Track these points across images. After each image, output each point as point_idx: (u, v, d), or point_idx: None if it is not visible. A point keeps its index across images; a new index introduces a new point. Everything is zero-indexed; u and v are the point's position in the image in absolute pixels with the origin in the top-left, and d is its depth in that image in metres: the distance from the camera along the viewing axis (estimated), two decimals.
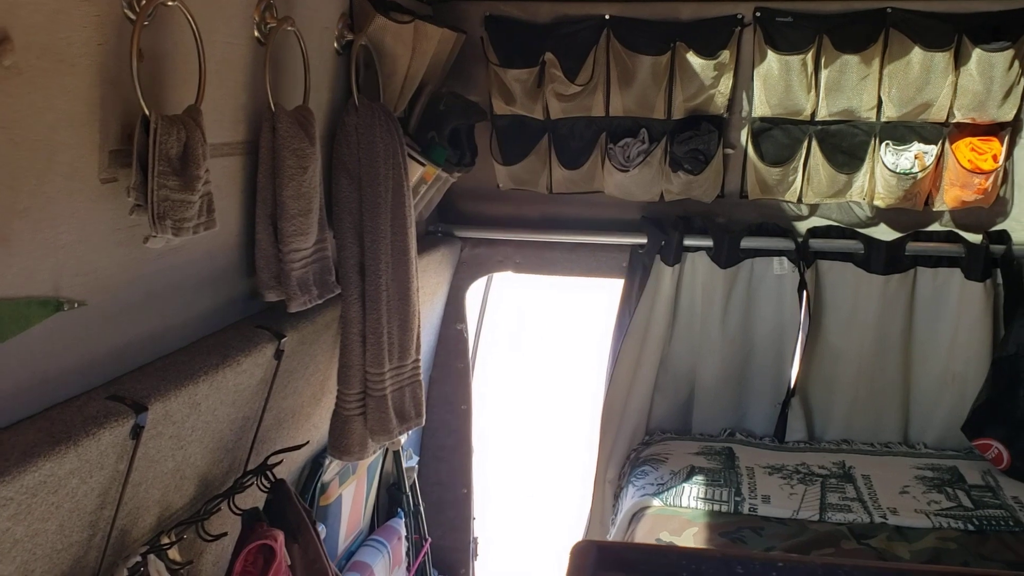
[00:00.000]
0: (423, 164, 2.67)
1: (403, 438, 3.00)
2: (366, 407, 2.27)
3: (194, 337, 1.79)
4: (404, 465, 3.06)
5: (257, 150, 1.87)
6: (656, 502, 2.96)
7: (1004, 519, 2.79)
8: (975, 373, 3.18)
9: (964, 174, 2.99)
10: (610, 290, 3.46)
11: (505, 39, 3.13)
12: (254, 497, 1.92)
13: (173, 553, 1.64)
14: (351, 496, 2.64)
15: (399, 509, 3.06)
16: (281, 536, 1.84)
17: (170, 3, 1.44)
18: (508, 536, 4.62)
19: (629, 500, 3.05)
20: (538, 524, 4.81)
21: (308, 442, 2.26)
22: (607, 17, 3.07)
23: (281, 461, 1.96)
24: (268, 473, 1.93)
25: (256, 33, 1.84)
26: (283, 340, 1.88)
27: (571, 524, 3.85)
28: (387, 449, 2.94)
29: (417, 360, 2.47)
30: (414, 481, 3.16)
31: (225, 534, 1.81)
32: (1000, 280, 3.15)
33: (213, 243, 1.79)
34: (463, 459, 3.62)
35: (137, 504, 1.57)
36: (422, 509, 3.22)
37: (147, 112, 1.40)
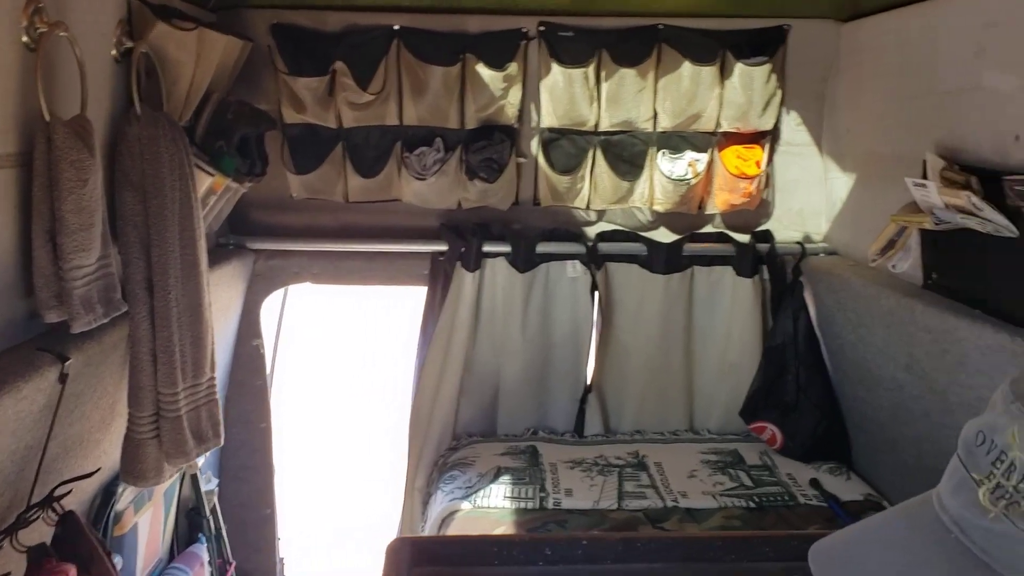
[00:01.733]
0: (212, 174, 2.57)
1: (201, 460, 2.88)
2: (160, 429, 2.17)
3: None
4: (203, 488, 2.93)
5: (31, 162, 1.74)
6: (465, 505, 3.00)
7: (780, 495, 3.05)
8: (749, 362, 3.46)
9: (732, 179, 3.26)
10: (414, 297, 3.48)
11: (293, 47, 3.08)
12: (41, 532, 1.78)
13: None
14: (148, 524, 2.50)
15: (200, 534, 2.93)
16: (73, 570, 1.72)
17: None
18: (318, 553, 4.53)
19: (438, 505, 3.07)
20: (348, 538, 4.74)
21: (100, 469, 2.12)
22: (396, 28, 3.09)
23: (70, 491, 1.83)
24: (55, 505, 1.80)
25: (25, 38, 1.71)
26: (67, 363, 1.76)
27: (382, 536, 3.82)
28: (184, 472, 2.81)
29: (212, 378, 2.39)
30: (214, 504, 3.04)
31: (8, 574, 1.67)
32: (766, 276, 3.44)
33: None
34: (265, 479, 3.51)
35: None
36: (224, 532, 3.10)
37: None
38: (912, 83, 2.68)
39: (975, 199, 2.12)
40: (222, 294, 3.04)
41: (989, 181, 2.14)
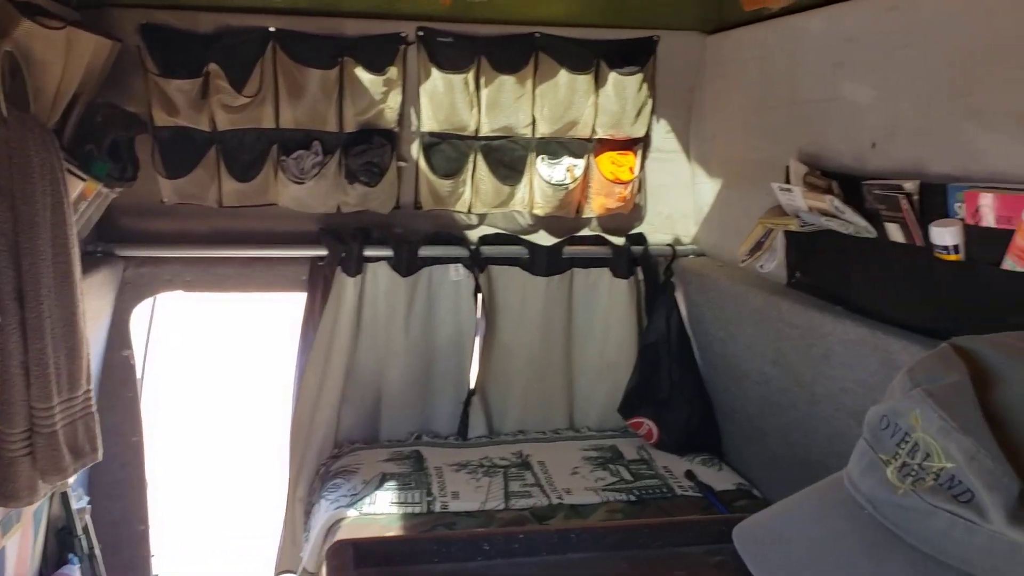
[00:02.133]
0: (83, 179, 2.47)
1: (72, 478, 2.75)
2: (34, 446, 2.06)
3: None
4: (74, 506, 2.79)
5: None
6: (351, 512, 2.97)
7: (658, 487, 3.17)
8: (626, 360, 3.58)
9: (607, 184, 3.36)
10: (293, 304, 3.42)
11: (164, 48, 2.98)
12: None
13: None
14: (16, 546, 2.36)
15: (71, 555, 2.79)
16: None
17: None
18: (195, 568, 4.37)
19: (323, 514, 3.03)
20: (228, 551, 4.61)
21: None
22: (272, 30, 3.04)
23: None
24: None
25: None
26: None
27: (262, 548, 3.74)
28: (53, 490, 2.67)
29: (88, 390, 2.30)
30: (86, 523, 2.89)
31: None
32: (641, 277, 3.57)
33: None
34: (138, 494, 3.37)
35: None
36: (98, 552, 2.96)
37: None
38: (775, 93, 2.85)
39: (837, 203, 2.27)
40: (91, 303, 2.89)
41: (849, 186, 2.31)
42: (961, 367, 0.78)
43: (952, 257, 1.93)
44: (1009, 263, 1.76)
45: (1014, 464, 0.70)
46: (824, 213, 2.35)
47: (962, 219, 1.90)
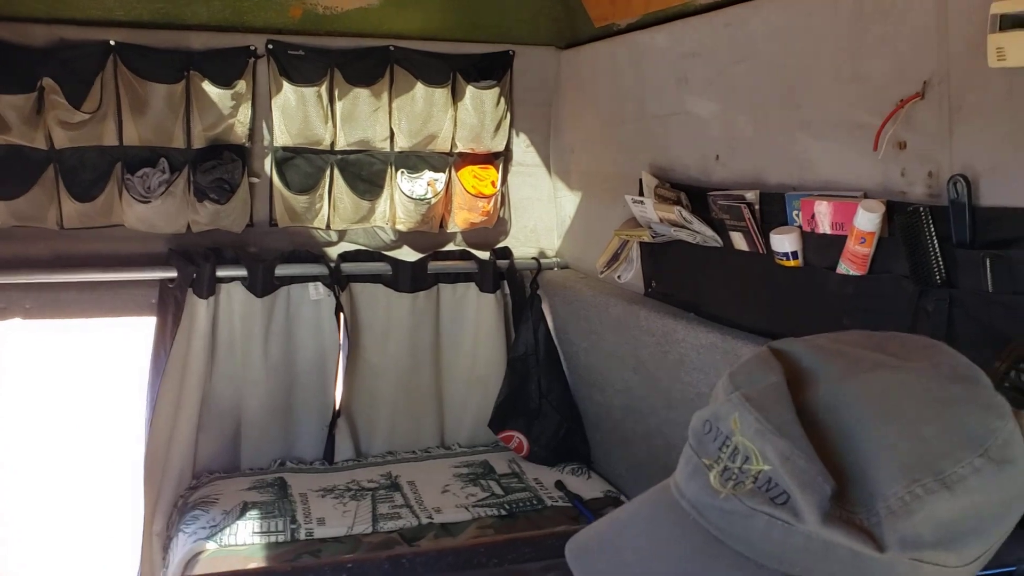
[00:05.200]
0: None
1: None
2: None
3: None
4: None
5: None
6: (211, 545, 2.84)
7: (529, 500, 3.17)
8: (495, 374, 3.57)
9: (470, 199, 3.36)
10: (143, 329, 3.25)
11: None
12: None
13: None
14: None
15: None
16: None
17: None
18: None
19: (181, 548, 2.89)
20: None
21: None
22: (112, 43, 2.91)
23: None
24: None
25: None
26: None
27: None
28: None
29: None
30: None
31: None
32: (507, 291, 3.58)
33: None
34: None
35: None
36: None
37: None
38: (626, 107, 2.91)
39: (685, 213, 2.34)
40: None
41: (696, 197, 2.37)
42: (778, 369, 0.79)
43: (791, 263, 2.01)
44: (843, 267, 1.85)
45: (827, 463, 0.71)
46: (674, 224, 2.41)
47: (800, 226, 1.98)
